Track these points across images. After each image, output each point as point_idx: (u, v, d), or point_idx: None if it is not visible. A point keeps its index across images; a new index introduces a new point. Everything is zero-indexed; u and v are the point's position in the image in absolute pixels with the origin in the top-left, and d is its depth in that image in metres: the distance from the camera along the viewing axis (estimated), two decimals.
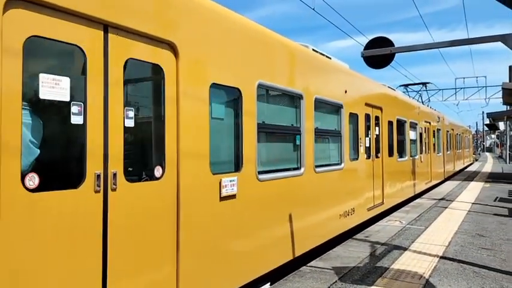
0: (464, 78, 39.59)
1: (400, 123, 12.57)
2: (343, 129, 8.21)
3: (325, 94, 7.40)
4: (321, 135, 7.40)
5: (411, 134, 13.73)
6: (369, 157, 9.69)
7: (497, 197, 13.82)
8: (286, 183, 6.13)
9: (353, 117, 8.86)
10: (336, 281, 5.39)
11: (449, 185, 17.99)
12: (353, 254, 6.73)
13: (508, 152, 44.04)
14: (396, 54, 7.51)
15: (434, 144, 18.07)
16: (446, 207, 11.58)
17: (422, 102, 23.40)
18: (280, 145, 6.45)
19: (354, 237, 7.98)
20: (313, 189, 6.97)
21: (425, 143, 16.12)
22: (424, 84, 26.38)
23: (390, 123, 11.45)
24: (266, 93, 5.91)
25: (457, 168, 26.71)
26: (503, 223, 9.31)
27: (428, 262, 6.24)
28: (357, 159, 8.95)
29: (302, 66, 6.65)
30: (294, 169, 6.50)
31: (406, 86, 25.30)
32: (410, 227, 8.84)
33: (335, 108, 8.11)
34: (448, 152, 22.52)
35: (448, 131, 22.42)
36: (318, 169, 7.10)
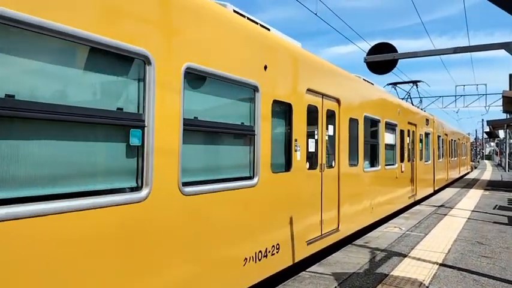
0: (464, 85, 39.80)
1: (371, 123, 10.01)
2: (258, 124, 5.43)
3: (214, 64, 4.58)
4: (209, 131, 4.73)
5: (388, 138, 11.31)
6: (313, 167, 7.06)
7: (496, 205, 13.80)
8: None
9: (280, 107, 6.08)
10: (335, 287, 5.37)
11: (449, 192, 17.97)
12: (353, 259, 6.71)
13: (507, 160, 44.07)
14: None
15: (421, 151, 15.47)
16: (445, 214, 11.55)
17: (412, 103, 19.89)
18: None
19: (354, 243, 7.95)
20: (175, 224, 4.07)
21: (409, 149, 13.63)
22: (415, 82, 21.75)
23: (354, 121, 8.70)
24: None
25: (452, 178, 24.38)
26: (502, 231, 9.29)
27: (428, 269, 6.21)
28: (287, 170, 6.16)
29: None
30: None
31: (394, 84, 21.21)
32: (409, 234, 8.82)
33: (242, 91, 5.29)
34: (440, 160, 19.95)
35: (440, 136, 19.87)
36: (188, 188, 4.21)
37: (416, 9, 14.34)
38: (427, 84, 25.50)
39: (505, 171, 41.81)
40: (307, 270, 6.11)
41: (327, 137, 7.55)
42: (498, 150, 73.02)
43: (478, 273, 6.09)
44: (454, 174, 25.89)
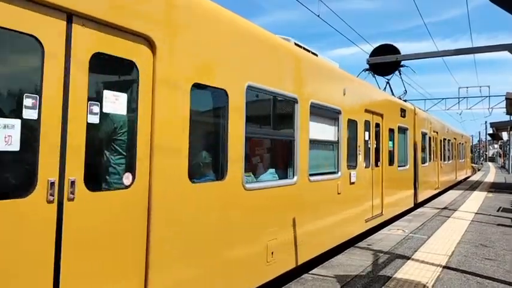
0: (467, 87, 39.63)
1: (270, 103, 6.13)
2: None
3: None
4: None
5: (314, 131, 6.93)
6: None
7: (500, 207, 13.73)
8: None
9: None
10: None
11: (452, 194, 17.89)
12: (355, 262, 6.68)
13: (510, 162, 43.88)
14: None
15: (391, 152, 11.31)
16: (449, 217, 11.50)
17: (393, 93, 14.53)
18: None
19: (356, 245, 7.92)
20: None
21: (367, 149, 9.46)
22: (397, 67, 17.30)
23: (222, 96, 4.78)
24: None
25: (444, 186, 19.89)
26: (506, 233, 9.24)
27: (432, 272, 6.18)
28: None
29: None
30: None
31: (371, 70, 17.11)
32: (413, 236, 8.78)
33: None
34: (425, 165, 15.56)
35: (425, 134, 15.65)
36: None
37: (420, 12, 14.31)
38: (412, 69, 19.26)
39: (509, 173, 41.64)
40: (310, 272, 6.09)
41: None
42: (501, 152, 72.77)
43: (481, 275, 6.05)
44: (448, 182, 21.64)
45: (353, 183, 8.39)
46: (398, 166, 11.87)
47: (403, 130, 12.46)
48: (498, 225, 10.31)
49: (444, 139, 20.22)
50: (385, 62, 7.15)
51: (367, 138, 9.37)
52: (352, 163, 8.44)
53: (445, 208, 13.34)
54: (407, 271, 6.19)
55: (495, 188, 22.17)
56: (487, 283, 5.72)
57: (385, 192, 10.46)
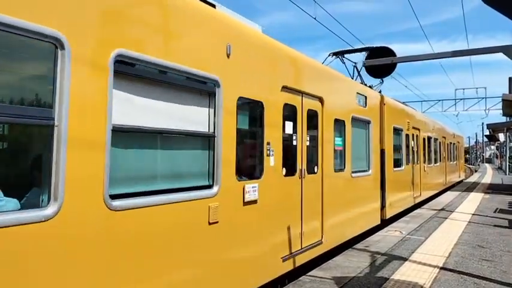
0: (464, 89, 39.92)
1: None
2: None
3: None
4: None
5: (197, 122, 4.57)
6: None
7: (497, 208, 13.78)
8: None
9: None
10: None
11: (450, 196, 17.93)
12: (353, 263, 6.70)
13: (507, 163, 44.04)
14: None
15: (341, 152, 8.28)
16: (446, 218, 11.54)
17: (363, 81, 11.52)
18: None
19: (354, 247, 7.94)
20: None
21: (289, 147, 6.37)
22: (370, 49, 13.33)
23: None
24: None
25: (428, 194, 16.83)
26: (503, 234, 9.27)
27: (429, 273, 6.20)
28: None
29: None
30: None
31: (339, 54, 12.20)
32: (410, 237, 8.81)
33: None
34: (400, 169, 12.50)
35: (400, 130, 12.62)
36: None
37: (415, 14, 14.31)
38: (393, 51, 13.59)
39: (506, 174, 41.78)
40: (308, 274, 6.10)
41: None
42: (498, 154, 73.04)
43: (478, 276, 6.08)
44: (435, 186, 18.62)
45: (249, 203, 5.18)
46: (354, 172, 8.76)
47: (361, 123, 9.51)
48: (495, 226, 10.35)
49: (429, 138, 17.27)
50: (381, 65, 7.19)
51: (288, 130, 6.25)
52: (249, 171, 5.46)
53: (442, 209, 13.38)
54: (404, 272, 6.21)
55: (492, 189, 22.24)
56: (484, 284, 5.75)
57: (327, 210, 7.34)
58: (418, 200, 14.70)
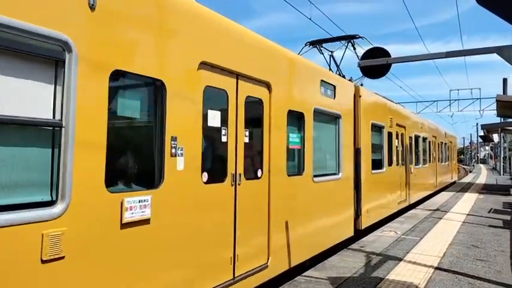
0: (458, 90, 40.16)
1: None
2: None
3: None
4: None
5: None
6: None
7: (491, 209, 13.84)
8: None
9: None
10: None
11: (444, 196, 18.00)
12: (348, 264, 6.70)
13: (502, 163, 44.31)
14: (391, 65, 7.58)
15: (299, 152, 6.87)
16: (441, 218, 11.57)
17: (341, 74, 10.86)
18: None
19: (349, 247, 7.94)
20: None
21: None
22: (350, 38, 11.47)
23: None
24: None
25: (416, 198, 15.64)
26: (497, 234, 9.31)
27: (424, 273, 6.21)
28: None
29: None
30: None
31: (316, 43, 11.42)
32: (405, 238, 8.82)
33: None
34: (380, 171, 11.06)
35: (380, 127, 11.31)
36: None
37: (410, 15, 14.35)
38: (368, 41, 12.55)
39: (500, 174, 42.02)
40: (303, 274, 6.10)
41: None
42: (493, 154, 73.45)
43: (473, 276, 6.10)
44: (424, 189, 17.29)
45: (132, 224, 3.64)
46: (317, 175, 7.28)
47: (328, 118, 8.06)
48: (489, 226, 10.39)
49: (417, 137, 15.90)
50: (376, 65, 7.21)
51: (213, 123, 4.82)
52: (136, 177, 3.95)
53: (437, 209, 13.42)
54: (399, 272, 6.22)
55: (486, 189, 22.34)
56: (479, 284, 5.76)
57: (276, 224, 5.93)
58: (403, 206, 13.27)
